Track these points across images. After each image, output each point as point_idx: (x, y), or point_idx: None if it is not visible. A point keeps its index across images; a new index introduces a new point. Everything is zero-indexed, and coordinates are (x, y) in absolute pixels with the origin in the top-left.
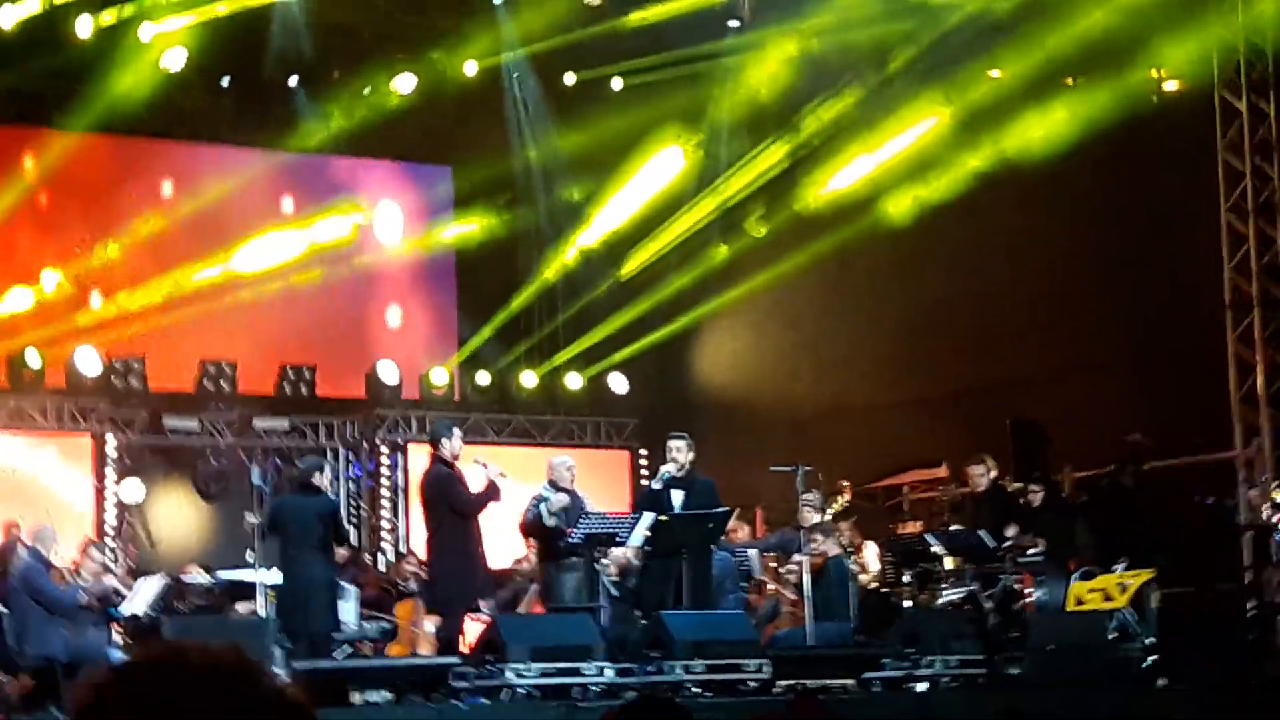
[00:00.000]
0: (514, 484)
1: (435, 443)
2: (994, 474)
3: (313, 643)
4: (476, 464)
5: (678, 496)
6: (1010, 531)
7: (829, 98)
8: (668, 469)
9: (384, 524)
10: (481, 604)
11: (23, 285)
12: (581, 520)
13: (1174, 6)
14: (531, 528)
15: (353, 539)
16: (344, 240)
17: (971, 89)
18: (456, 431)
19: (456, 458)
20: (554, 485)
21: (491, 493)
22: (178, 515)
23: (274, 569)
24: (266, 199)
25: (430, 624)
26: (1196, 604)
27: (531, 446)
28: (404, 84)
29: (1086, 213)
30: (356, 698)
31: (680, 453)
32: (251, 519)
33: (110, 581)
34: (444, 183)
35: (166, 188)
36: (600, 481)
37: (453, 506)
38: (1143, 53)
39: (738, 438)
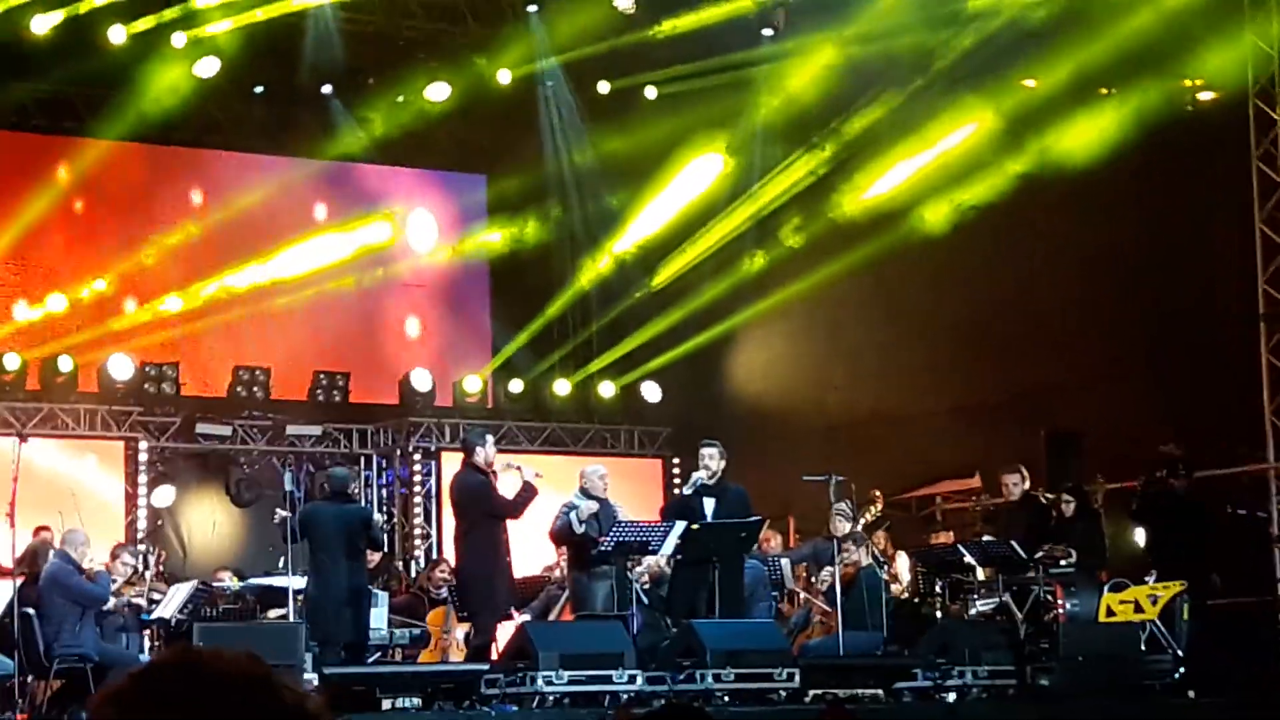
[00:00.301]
0: (546, 492)
1: (469, 451)
2: (1028, 484)
3: (342, 649)
4: (510, 468)
5: (709, 504)
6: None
7: (863, 106)
8: (699, 476)
9: (416, 531)
10: (515, 611)
11: (57, 291)
12: (613, 529)
13: (1209, 15)
14: (561, 535)
15: (385, 545)
16: (378, 247)
17: (1007, 97)
18: (489, 439)
19: (490, 465)
20: (586, 493)
21: (529, 493)
22: (209, 521)
23: (305, 575)
24: (300, 207)
25: (461, 631)
26: (1228, 616)
27: (564, 455)
28: (438, 92)
29: (1121, 222)
30: (386, 704)
31: (712, 460)
32: (282, 513)
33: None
34: (478, 191)
35: (199, 196)
36: (633, 490)
37: (492, 510)
38: (1178, 61)
39: (771, 446)
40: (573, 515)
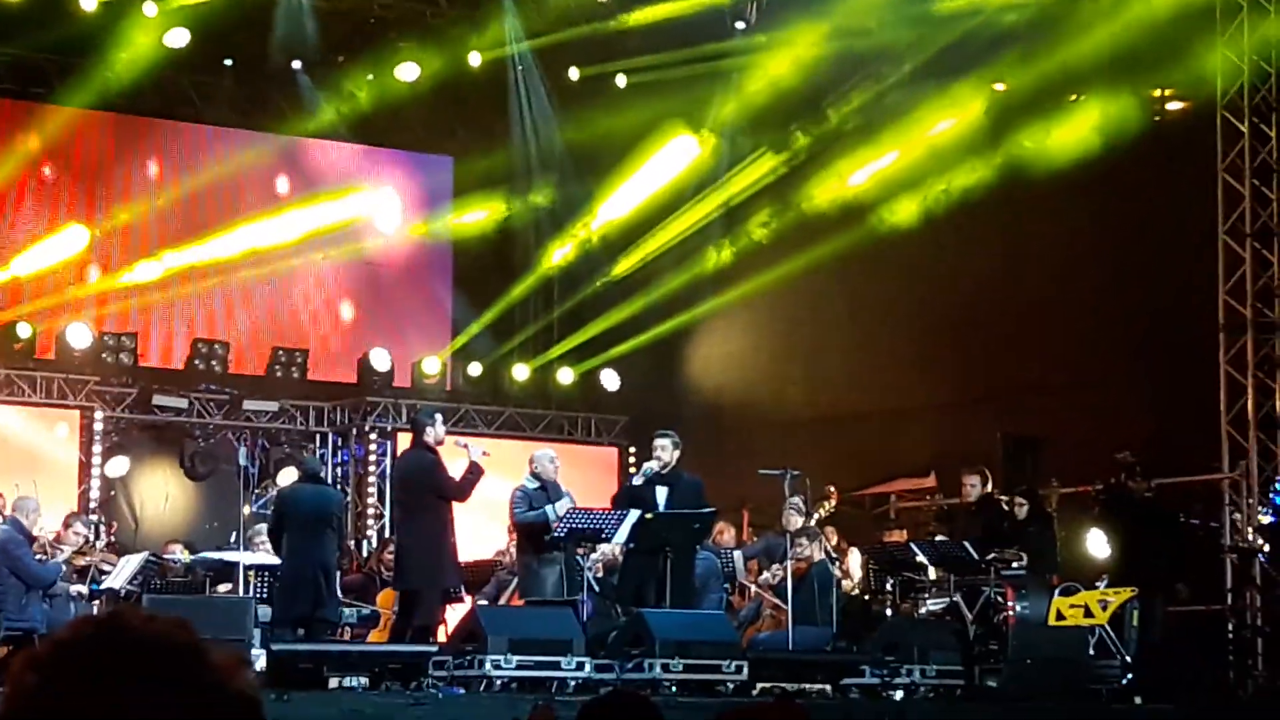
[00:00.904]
0: (501, 476)
1: (419, 429)
2: (988, 488)
3: (308, 629)
4: (458, 445)
5: (662, 493)
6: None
7: (832, 103)
8: (650, 465)
9: (370, 510)
10: (465, 595)
11: (16, 257)
12: (566, 515)
13: (1180, 26)
14: (532, 528)
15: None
16: (341, 225)
17: (975, 100)
18: (439, 418)
19: (440, 444)
20: (536, 477)
21: (476, 474)
22: (162, 493)
23: (258, 552)
24: (265, 182)
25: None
26: (1178, 623)
27: (521, 440)
28: (408, 72)
29: (1085, 228)
30: (333, 682)
31: (665, 451)
32: (250, 510)
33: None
34: (445, 172)
35: (165, 167)
36: (588, 477)
37: (440, 491)
38: (1148, 71)
39: (728, 439)
40: (550, 511)
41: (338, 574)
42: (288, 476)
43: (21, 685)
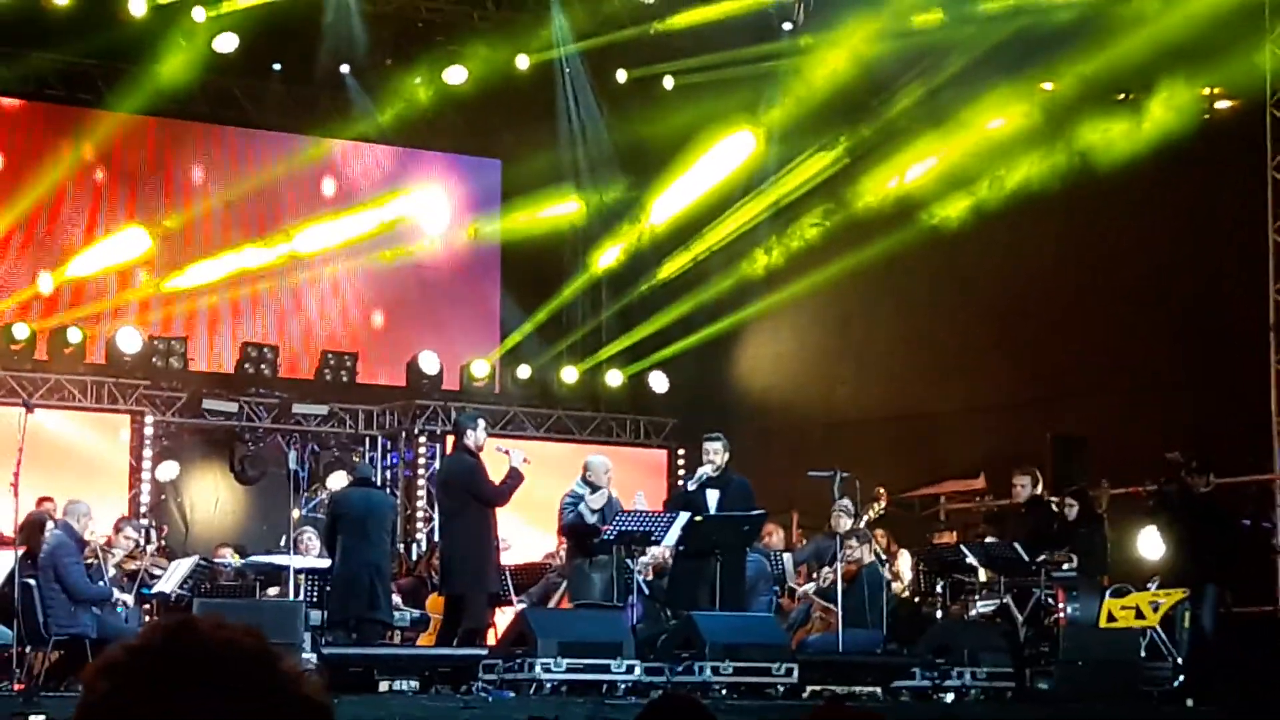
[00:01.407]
0: (551, 481)
1: (460, 433)
2: (1038, 489)
3: (360, 630)
4: (499, 450)
5: (713, 497)
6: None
7: (881, 102)
8: (703, 470)
9: (419, 514)
10: (514, 598)
11: (68, 262)
12: (617, 518)
13: (1230, 25)
14: (573, 530)
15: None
16: (389, 228)
17: (1025, 100)
18: (481, 423)
19: (481, 449)
20: (589, 484)
21: (515, 479)
22: (212, 497)
23: (307, 555)
24: (313, 186)
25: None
26: (1230, 625)
27: (569, 442)
28: (455, 75)
29: (1135, 227)
30: (384, 685)
31: (716, 454)
32: (299, 513)
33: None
34: (493, 175)
35: (214, 172)
36: (637, 480)
37: (479, 495)
38: (1197, 69)
39: (776, 441)
40: (582, 507)
41: (391, 576)
42: (337, 480)
43: (94, 691)
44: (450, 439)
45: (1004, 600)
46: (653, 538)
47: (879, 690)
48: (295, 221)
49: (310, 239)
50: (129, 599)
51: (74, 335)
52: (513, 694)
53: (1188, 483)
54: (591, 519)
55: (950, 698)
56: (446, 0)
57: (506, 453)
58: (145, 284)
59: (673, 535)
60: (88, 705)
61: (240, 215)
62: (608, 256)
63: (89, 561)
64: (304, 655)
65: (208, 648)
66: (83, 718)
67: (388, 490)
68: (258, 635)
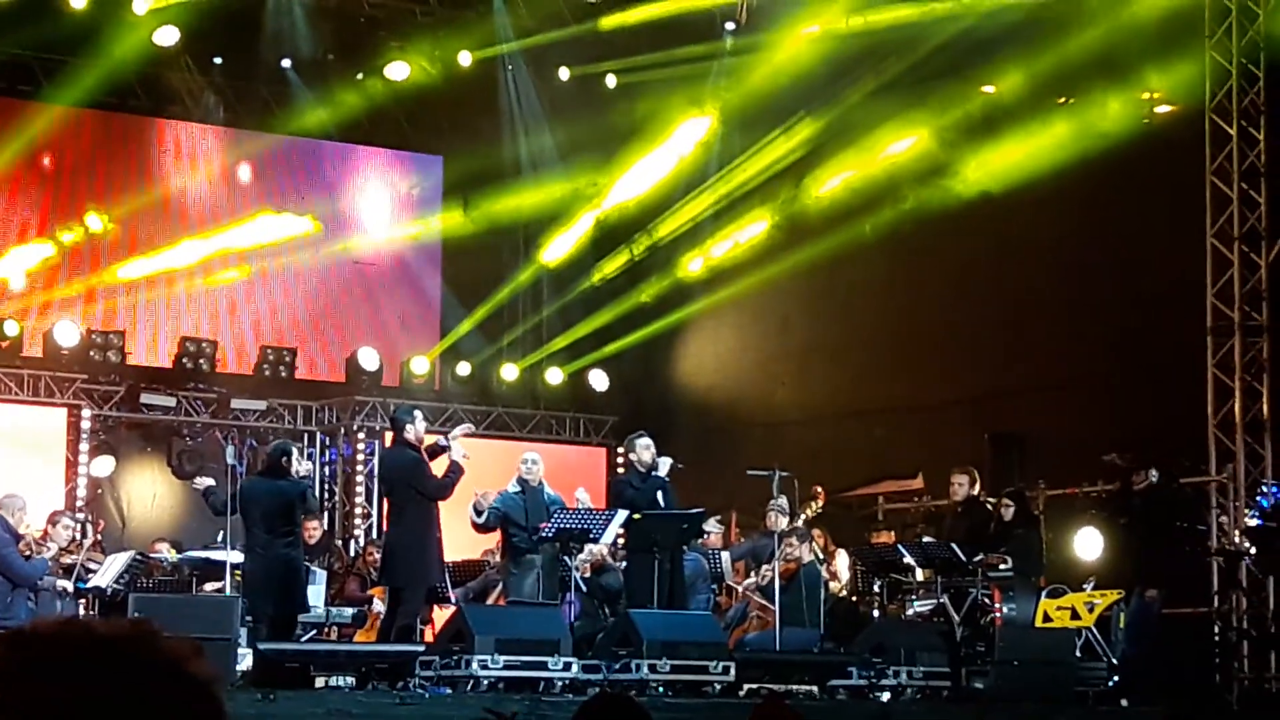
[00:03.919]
0: (490, 477)
1: (399, 427)
2: (975, 489)
3: (275, 624)
4: (440, 445)
5: (659, 494)
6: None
7: (823, 104)
8: (665, 461)
9: (358, 510)
10: (452, 593)
11: (3, 255)
12: (556, 515)
13: (1169, 29)
14: (503, 529)
15: (325, 524)
16: (330, 224)
17: (964, 102)
18: (419, 415)
19: (421, 441)
20: (519, 480)
21: (457, 473)
22: (149, 492)
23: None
24: (256, 181)
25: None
26: (1165, 625)
27: (509, 440)
28: (398, 71)
29: (1073, 230)
30: (320, 681)
31: (648, 450)
32: (205, 481)
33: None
34: (434, 171)
35: (154, 165)
36: (576, 478)
37: (422, 490)
38: (1136, 74)
39: (716, 440)
40: (470, 509)
41: (307, 568)
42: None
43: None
44: (390, 434)
45: (941, 600)
46: (591, 535)
47: (815, 689)
48: (235, 216)
49: (250, 234)
50: (69, 585)
51: (10, 328)
52: (449, 690)
53: (1132, 482)
54: (480, 518)
55: (886, 696)
56: None
57: (446, 448)
58: (84, 278)
59: (611, 533)
60: None
61: (180, 209)
62: (551, 253)
63: (24, 555)
64: (240, 650)
65: (88, 634)
66: None
67: (324, 486)
68: (144, 623)
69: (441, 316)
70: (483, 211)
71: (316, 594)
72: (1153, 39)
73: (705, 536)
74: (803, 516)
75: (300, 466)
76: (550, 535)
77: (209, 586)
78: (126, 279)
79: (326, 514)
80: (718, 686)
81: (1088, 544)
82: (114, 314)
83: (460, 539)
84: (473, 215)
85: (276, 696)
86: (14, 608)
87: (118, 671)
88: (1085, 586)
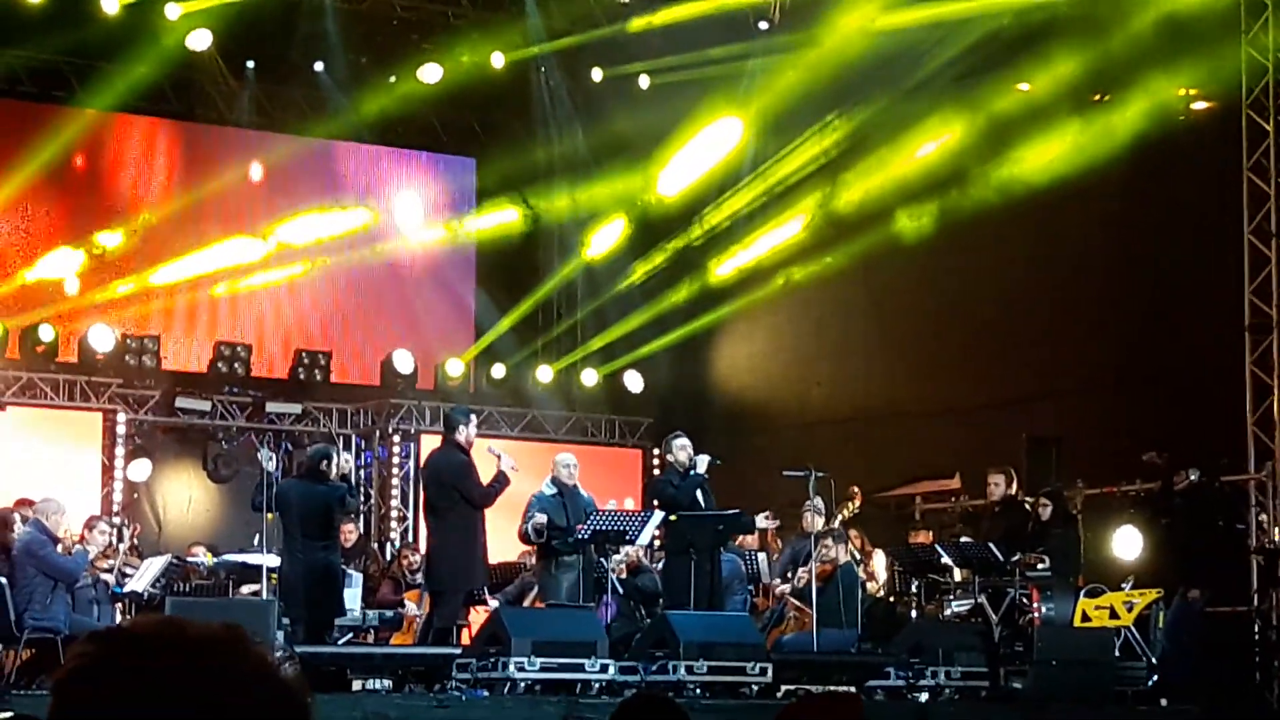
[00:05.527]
0: (522, 479)
1: (452, 428)
2: (1012, 489)
3: (312, 628)
4: (490, 452)
5: (699, 494)
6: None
7: (856, 103)
8: (702, 458)
9: (393, 513)
10: (489, 597)
11: (38, 261)
12: (591, 517)
13: (1205, 25)
14: (525, 539)
15: (361, 527)
16: (364, 227)
17: (1000, 100)
18: (473, 419)
19: (471, 444)
20: (554, 482)
21: (501, 484)
22: (185, 496)
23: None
24: (288, 185)
25: (414, 607)
26: (1204, 625)
27: (544, 442)
28: (430, 74)
29: (1111, 229)
30: (356, 684)
31: (685, 450)
32: (274, 515)
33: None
34: (468, 174)
35: (188, 169)
36: (612, 480)
37: (466, 494)
38: (1173, 70)
39: (752, 441)
40: (529, 526)
41: (344, 571)
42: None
43: (73, 674)
44: (426, 437)
45: (978, 600)
46: (627, 537)
47: (853, 689)
48: (269, 220)
49: (284, 237)
50: (111, 579)
51: (46, 333)
52: (486, 693)
53: (1174, 481)
54: (535, 538)
55: (924, 697)
56: None
57: (497, 456)
58: (119, 283)
59: (647, 534)
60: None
61: (214, 213)
62: (582, 255)
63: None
64: (276, 654)
65: (184, 637)
66: (64, 685)
67: (360, 489)
68: (236, 627)
69: (476, 319)
70: (519, 212)
71: (353, 597)
72: (1189, 35)
73: (754, 533)
74: (839, 517)
75: (342, 466)
76: (586, 537)
77: (245, 590)
78: (161, 284)
79: (361, 518)
80: (755, 688)
81: (1126, 543)
82: (149, 318)
83: (503, 543)
84: (524, 212)
85: (313, 700)
86: (53, 608)
87: (211, 674)
88: (1124, 586)
